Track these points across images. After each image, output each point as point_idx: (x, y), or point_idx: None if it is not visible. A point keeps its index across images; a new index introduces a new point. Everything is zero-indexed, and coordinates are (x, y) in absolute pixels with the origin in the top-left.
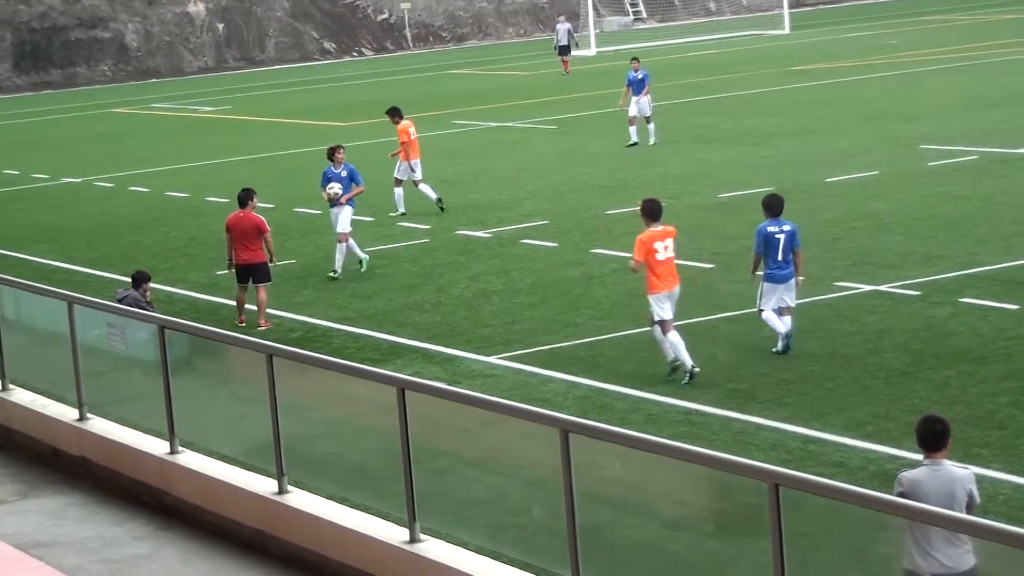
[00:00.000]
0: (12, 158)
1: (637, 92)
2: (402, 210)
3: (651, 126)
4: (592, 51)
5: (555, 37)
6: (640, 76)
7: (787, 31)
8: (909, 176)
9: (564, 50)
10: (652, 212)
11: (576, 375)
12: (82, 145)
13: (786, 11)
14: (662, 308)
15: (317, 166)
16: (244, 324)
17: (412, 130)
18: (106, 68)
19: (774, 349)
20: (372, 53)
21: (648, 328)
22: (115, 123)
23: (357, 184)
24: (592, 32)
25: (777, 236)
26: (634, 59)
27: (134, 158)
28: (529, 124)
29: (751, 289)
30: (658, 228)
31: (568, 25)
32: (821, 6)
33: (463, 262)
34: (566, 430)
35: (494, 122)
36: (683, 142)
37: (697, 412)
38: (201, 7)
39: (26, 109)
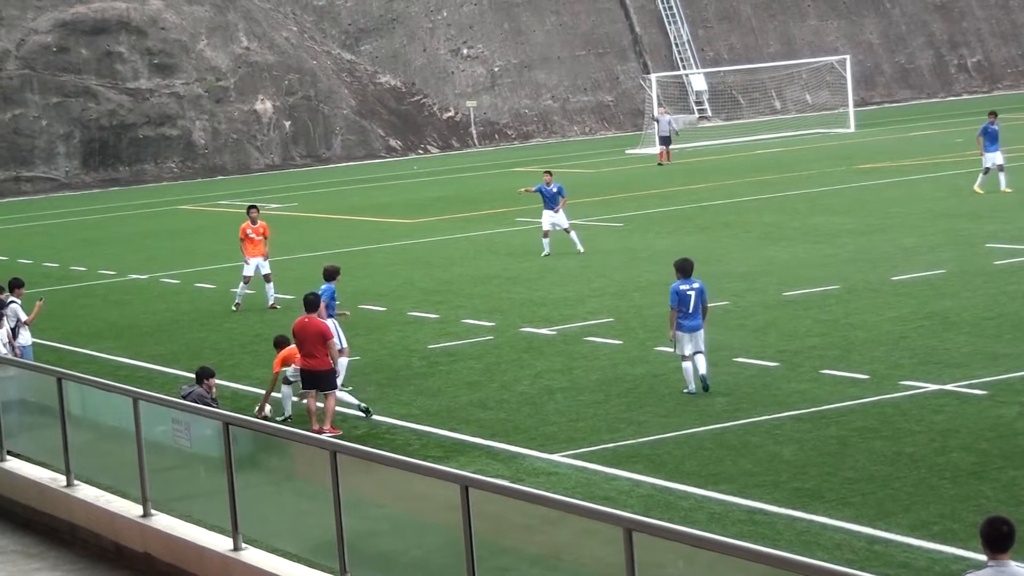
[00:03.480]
0: (79, 254)
1: (551, 206)
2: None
3: (573, 235)
4: (657, 149)
5: (657, 127)
6: (554, 190)
7: (852, 129)
8: (976, 275)
9: (666, 140)
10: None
11: (640, 473)
12: (149, 242)
13: (851, 109)
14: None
15: (383, 263)
16: (320, 433)
17: None
18: (173, 165)
19: (685, 391)
20: (438, 151)
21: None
22: (182, 220)
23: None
24: (656, 130)
25: (688, 293)
26: (547, 172)
27: (200, 255)
28: (595, 222)
29: (673, 345)
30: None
31: (670, 117)
32: (886, 104)
33: (527, 359)
34: (629, 528)
35: None
36: (749, 240)
37: (761, 511)
38: (268, 105)
39: (94, 206)
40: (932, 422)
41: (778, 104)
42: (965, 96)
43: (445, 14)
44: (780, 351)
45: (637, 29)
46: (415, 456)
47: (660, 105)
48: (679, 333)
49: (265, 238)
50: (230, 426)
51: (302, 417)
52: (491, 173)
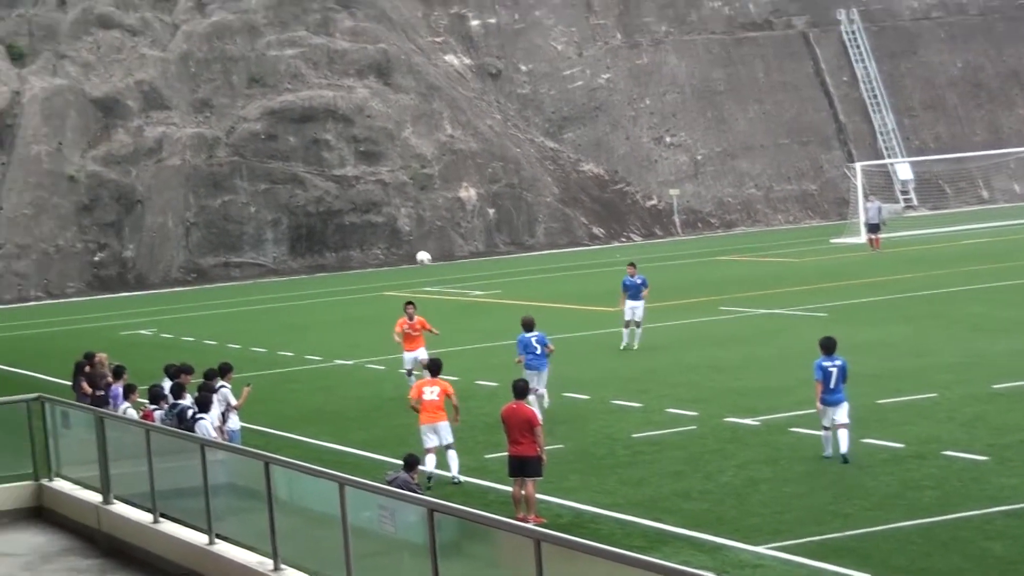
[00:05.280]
0: (287, 339)
1: (634, 297)
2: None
3: (639, 331)
4: (863, 238)
5: (866, 215)
6: (638, 281)
7: None
8: None
9: (874, 228)
10: (430, 368)
11: (847, 567)
12: (354, 327)
13: None
14: (427, 439)
15: (586, 351)
16: (525, 521)
17: None
18: (379, 252)
19: (824, 455)
20: (640, 239)
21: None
22: (386, 306)
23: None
24: (862, 220)
25: (831, 369)
26: (631, 264)
27: None
28: (798, 311)
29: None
30: (427, 378)
31: (879, 203)
32: None
33: (731, 450)
34: None
35: (763, 309)
36: (958, 331)
37: None
38: (472, 192)
39: (301, 291)
40: None
41: (985, 194)
42: None
43: (648, 102)
44: (990, 444)
45: (841, 118)
46: (618, 545)
47: (867, 194)
48: (823, 406)
49: (427, 330)
50: (435, 513)
51: (506, 503)
52: (694, 262)
